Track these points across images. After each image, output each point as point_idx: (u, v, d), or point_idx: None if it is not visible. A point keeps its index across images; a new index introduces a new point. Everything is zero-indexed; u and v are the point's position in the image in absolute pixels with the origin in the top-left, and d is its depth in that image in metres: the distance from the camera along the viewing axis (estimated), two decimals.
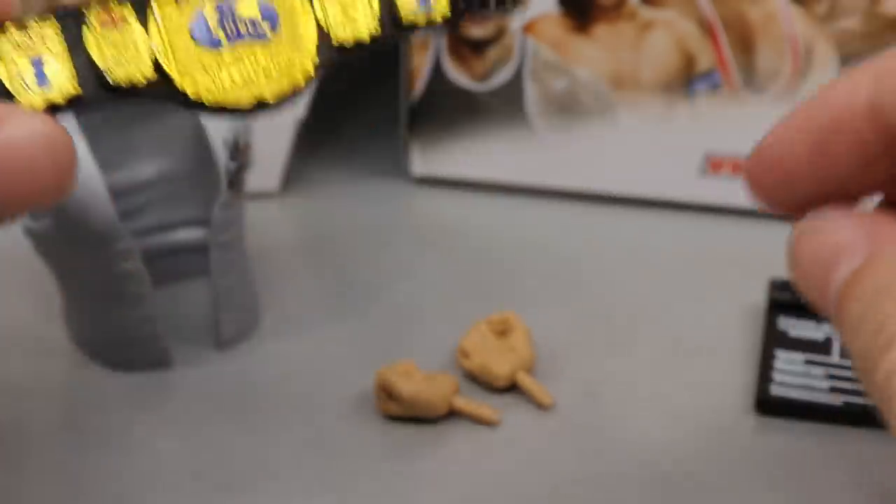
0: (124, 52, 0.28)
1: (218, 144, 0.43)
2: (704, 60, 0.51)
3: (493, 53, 0.53)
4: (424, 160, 0.54)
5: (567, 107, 0.52)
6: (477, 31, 0.53)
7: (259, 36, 0.29)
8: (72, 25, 0.28)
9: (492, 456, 0.40)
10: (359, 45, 0.30)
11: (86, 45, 0.28)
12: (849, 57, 0.50)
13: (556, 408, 0.42)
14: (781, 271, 0.43)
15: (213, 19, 0.29)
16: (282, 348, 0.45)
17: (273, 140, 0.53)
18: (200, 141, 0.44)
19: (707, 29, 0.51)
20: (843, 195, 0.26)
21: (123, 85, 0.28)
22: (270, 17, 0.29)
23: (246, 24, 0.29)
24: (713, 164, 0.52)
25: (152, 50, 0.28)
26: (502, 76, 0.53)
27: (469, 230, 0.52)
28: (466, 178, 0.54)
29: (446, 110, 0.54)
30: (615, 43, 0.51)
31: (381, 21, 0.29)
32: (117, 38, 0.28)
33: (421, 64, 0.53)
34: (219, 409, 0.42)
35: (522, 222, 0.52)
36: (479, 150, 0.54)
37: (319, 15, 0.29)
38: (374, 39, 0.29)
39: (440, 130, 0.54)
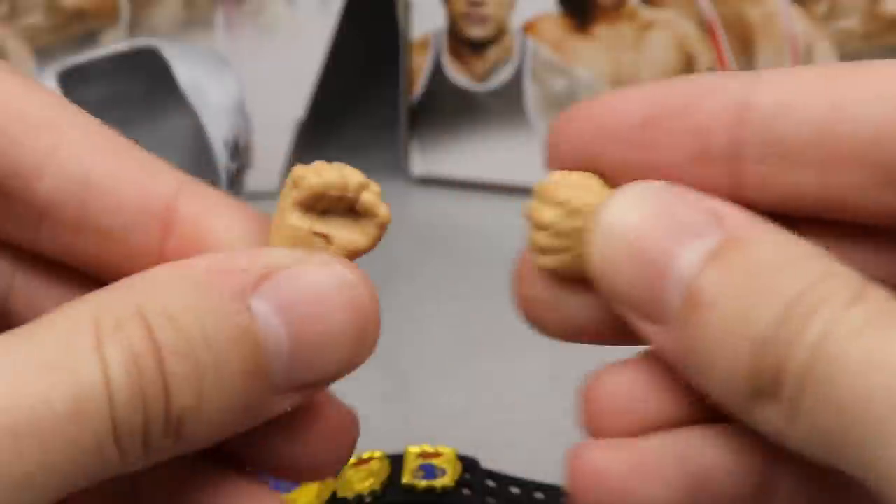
0: None
1: (218, 144, 0.43)
2: (704, 60, 0.51)
3: (493, 53, 0.53)
4: (424, 160, 0.54)
5: (567, 107, 0.52)
6: (477, 31, 0.53)
7: (278, 490, 0.31)
8: None
9: None
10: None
11: None
12: (849, 57, 0.50)
13: (557, 407, 0.42)
14: None
15: None
16: None
17: (273, 140, 0.53)
18: (200, 141, 0.44)
19: (707, 29, 0.51)
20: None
21: None
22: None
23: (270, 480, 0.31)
24: None
25: None
26: (502, 76, 0.53)
27: (469, 230, 0.52)
28: (466, 178, 0.54)
29: (446, 110, 0.54)
30: (615, 43, 0.51)
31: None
32: None
33: (421, 64, 0.53)
34: None
35: (522, 222, 0.52)
36: (479, 150, 0.54)
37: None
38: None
39: (440, 130, 0.54)
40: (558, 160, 0.24)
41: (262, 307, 0.21)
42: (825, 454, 0.20)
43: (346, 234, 0.23)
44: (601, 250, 0.22)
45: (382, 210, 0.23)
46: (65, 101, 0.23)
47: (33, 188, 0.22)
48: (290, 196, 0.23)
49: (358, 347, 0.23)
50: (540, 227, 0.24)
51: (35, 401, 0.19)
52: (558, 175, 0.23)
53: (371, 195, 0.23)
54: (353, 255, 0.23)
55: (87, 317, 0.20)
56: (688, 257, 0.21)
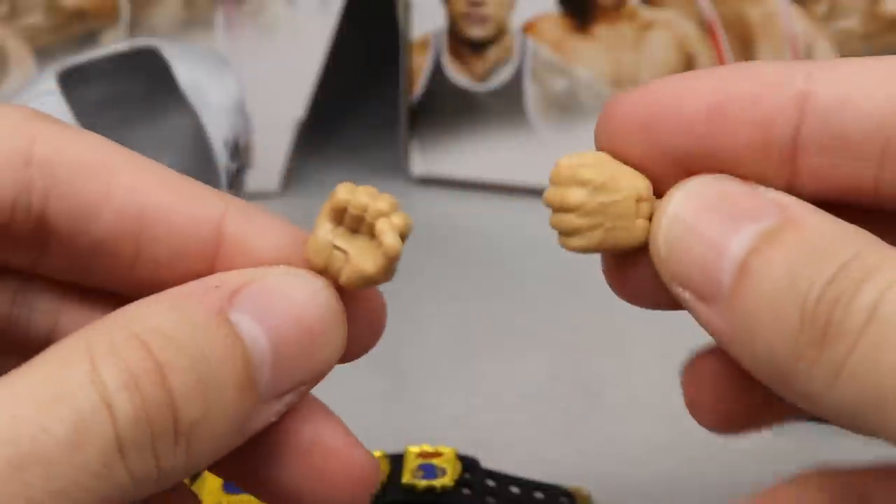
0: None
1: (218, 144, 0.43)
2: (704, 60, 0.51)
3: (493, 53, 0.53)
4: (424, 160, 0.54)
5: (567, 107, 0.52)
6: (477, 31, 0.53)
7: None
8: None
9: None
10: None
11: None
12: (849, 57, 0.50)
13: (557, 407, 0.42)
14: None
15: None
16: None
17: (273, 140, 0.53)
18: (200, 141, 0.44)
19: (707, 29, 0.51)
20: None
21: None
22: None
23: None
24: None
25: None
26: (502, 76, 0.53)
27: (469, 230, 0.52)
28: (466, 178, 0.54)
29: (446, 110, 0.54)
30: (615, 43, 0.51)
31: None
32: None
33: (421, 64, 0.53)
34: None
35: (522, 222, 0.52)
36: (479, 150, 0.54)
37: None
38: None
39: (440, 130, 0.54)
40: (612, 144, 0.24)
41: (242, 318, 0.22)
42: (861, 419, 0.20)
43: (361, 256, 0.23)
44: (665, 235, 0.23)
45: (388, 240, 0.23)
46: (109, 141, 0.23)
47: (92, 227, 0.23)
48: (324, 207, 0.23)
49: (332, 346, 0.23)
50: (567, 209, 0.24)
51: (35, 430, 0.19)
52: (575, 157, 0.24)
53: (385, 223, 0.23)
54: (361, 279, 0.23)
55: (79, 346, 0.20)
56: (742, 237, 0.22)
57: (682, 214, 0.23)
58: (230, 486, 0.33)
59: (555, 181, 0.24)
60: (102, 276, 0.24)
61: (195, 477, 0.33)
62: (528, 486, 0.35)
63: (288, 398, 0.23)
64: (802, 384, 0.21)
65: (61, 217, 0.23)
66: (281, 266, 0.23)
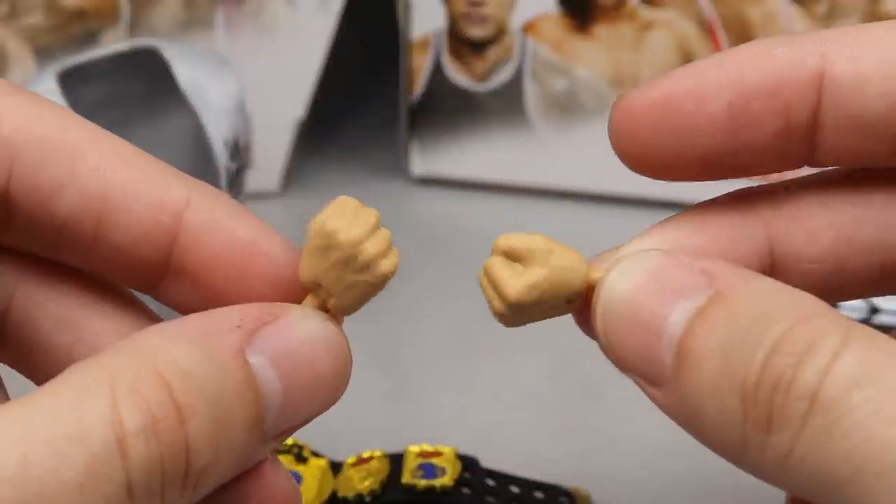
0: None
1: (218, 144, 0.43)
2: None
3: (493, 53, 0.53)
4: (424, 160, 0.54)
5: (567, 107, 0.52)
6: (477, 31, 0.53)
7: None
8: None
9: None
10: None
11: None
12: None
13: (557, 407, 0.42)
14: None
15: None
16: None
17: (273, 140, 0.53)
18: (200, 141, 0.44)
19: (707, 29, 0.51)
20: (743, 166, 0.24)
21: None
22: (294, 479, 0.32)
23: None
24: None
25: None
26: (502, 76, 0.53)
27: (469, 230, 0.52)
28: (466, 178, 0.54)
29: (446, 110, 0.54)
30: (615, 43, 0.51)
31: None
32: None
33: (421, 64, 0.53)
34: None
35: (522, 222, 0.52)
36: (479, 150, 0.54)
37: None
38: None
39: (440, 130, 0.54)
40: (631, 147, 0.24)
41: (259, 360, 0.22)
42: (819, 498, 0.20)
43: (348, 293, 0.23)
44: (602, 320, 0.23)
45: (373, 272, 0.23)
46: (77, 116, 0.23)
47: (53, 207, 0.23)
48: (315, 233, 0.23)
49: (337, 391, 0.23)
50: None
51: (45, 474, 0.19)
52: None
53: (370, 252, 0.23)
54: (346, 312, 0.24)
55: (101, 375, 0.20)
56: (676, 317, 0.21)
57: (615, 296, 0.22)
58: None
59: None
60: (63, 253, 0.24)
61: None
62: (528, 485, 0.35)
63: (286, 436, 0.23)
64: (755, 466, 0.21)
65: (22, 196, 0.23)
66: (299, 308, 0.23)
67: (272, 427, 0.22)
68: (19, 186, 0.22)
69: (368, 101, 0.60)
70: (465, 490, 0.34)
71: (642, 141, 0.23)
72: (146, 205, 0.23)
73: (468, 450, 0.36)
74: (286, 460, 0.34)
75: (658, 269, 0.22)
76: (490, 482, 0.35)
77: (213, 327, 0.22)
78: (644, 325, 0.22)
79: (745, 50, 0.23)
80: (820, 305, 0.21)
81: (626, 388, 0.44)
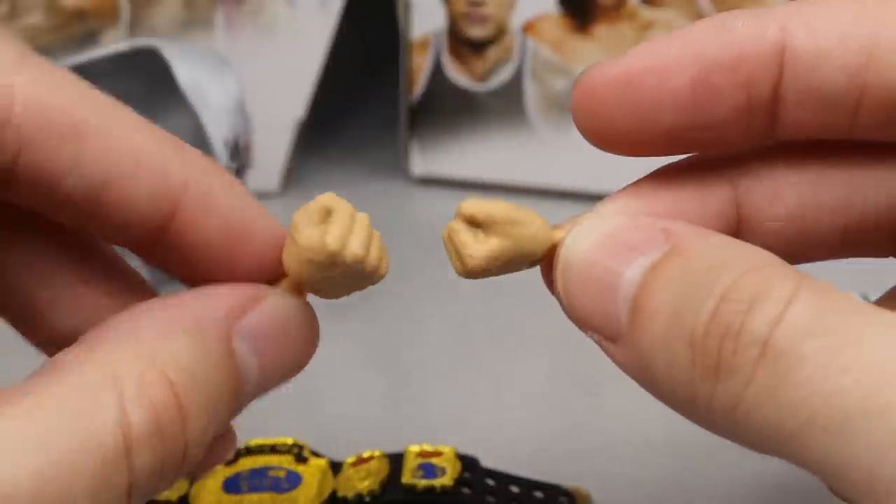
0: None
1: (218, 144, 0.43)
2: None
3: (493, 53, 0.53)
4: (424, 160, 0.54)
5: (567, 107, 0.52)
6: (477, 31, 0.53)
7: (278, 489, 0.33)
8: None
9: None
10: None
11: None
12: None
13: (557, 407, 0.42)
14: None
15: (246, 476, 0.33)
16: None
17: (273, 140, 0.53)
18: (200, 141, 0.44)
19: None
20: (706, 140, 0.24)
21: None
22: (294, 479, 0.33)
23: (270, 480, 0.33)
24: None
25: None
26: (502, 76, 0.53)
27: None
28: (466, 178, 0.54)
29: (446, 110, 0.54)
30: (615, 43, 0.51)
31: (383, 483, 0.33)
32: None
33: (421, 64, 0.53)
34: None
35: None
36: (479, 150, 0.54)
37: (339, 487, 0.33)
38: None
39: (440, 130, 0.54)
40: (595, 124, 0.24)
41: (241, 345, 0.23)
42: (769, 449, 0.20)
43: (336, 288, 0.24)
44: (561, 278, 0.23)
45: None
46: (92, 92, 0.23)
47: (55, 189, 0.23)
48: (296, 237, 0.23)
49: (306, 358, 0.25)
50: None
51: (60, 487, 0.19)
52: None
53: (372, 263, 0.23)
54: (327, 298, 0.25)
55: (106, 374, 0.20)
56: (632, 273, 0.21)
57: (573, 256, 0.23)
58: (230, 486, 0.33)
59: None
60: (58, 216, 0.24)
61: (194, 479, 0.33)
62: (528, 485, 0.35)
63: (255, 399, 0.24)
64: (705, 418, 0.21)
65: (27, 175, 0.23)
66: (278, 291, 0.24)
67: (246, 399, 0.23)
68: (25, 167, 0.22)
69: (368, 101, 0.60)
70: (465, 490, 0.34)
71: (604, 117, 0.23)
72: (149, 185, 0.23)
73: (468, 450, 0.36)
74: (286, 460, 0.34)
75: (617, 228, 0.22)
76: (490, 482, 0.35)
77: (204, 315, 0.22)
78: (601, 282, 0.22)
79: (706, 25, 0.23)
80: (773, 258, 0.21)
81: (626, 388, 0.44)
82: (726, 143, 0.24)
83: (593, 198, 0.53)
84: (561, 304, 0.23)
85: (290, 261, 0.23)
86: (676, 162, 0.25)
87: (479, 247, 0.24)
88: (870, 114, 0.22)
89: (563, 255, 0.23)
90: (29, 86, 0.22)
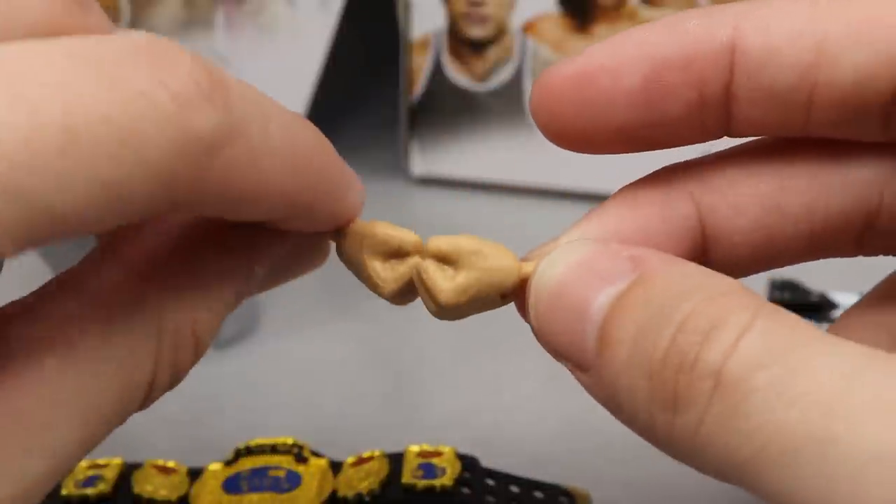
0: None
1: None
2: None
3: (493, 53, 0.53)
4: (424, 160, 0.54)
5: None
6: (477, 31, 0.53)
7: (278, 489, 0.33)
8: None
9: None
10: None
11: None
12: None
13: (557, 407, 0.42)
14: (780, 271, 0.43)
15: (246, 476, 0.33)
16: (282, 348, 0.45)
17: None
18: None
19: None
20: (661, 138, 0.24)
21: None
22: (294, 479, 0.33)
23: (270, 480, 0.33)
24: None
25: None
26: (502, 76, 0.53)
27: (469, 230, 0.52)
28: (466, 178, 0.54)
29: (446, 110, 0.54)
30: None
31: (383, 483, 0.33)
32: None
33: (421, 64, 0.53)
34: (218, 409, 0.42)
35: (522, 222, 0.52)
36: (479, 150, 0.54)
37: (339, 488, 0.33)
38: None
39: (440, 130, 0.54)
40: (551, 122, 0.24)
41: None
42: (730, 479, 0.20)
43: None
44: (533, 308, 0.23)
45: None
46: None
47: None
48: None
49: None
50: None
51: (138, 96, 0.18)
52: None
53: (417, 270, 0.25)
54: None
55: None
56: (599, 303, 0.21)
57: (545, 283, 0.23)
58: (230, 486, 0.33)
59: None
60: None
61: (195, 476, 0.33)
62: (528, 485, 0.35)
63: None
64: (667, 446, 0.21)
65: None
66: None
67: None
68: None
69: (368, 101, 0.60)
70: (465, 490, 0.34)
71: (560, 115, 0.24)
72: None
73: (468, 450, 0.36)
74: (286, 460, 0.34)
75: (586, 257, 0.22)
76: (490, 482, 0.35)
77: None
78: (571, 311, 0.22)
79: (659, 24, 0.24)
80: (735, 285, 0.21)
81: None
82: (681, 141, 0.24)
83: (593, 198, 0.53)
84: (534, 333, 0.23)
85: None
86: (638, 182, 0.25)
87: (447, 283, 0.24)
88: (822, 111, 0.23)
89: (534, 283, 0.23)
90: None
